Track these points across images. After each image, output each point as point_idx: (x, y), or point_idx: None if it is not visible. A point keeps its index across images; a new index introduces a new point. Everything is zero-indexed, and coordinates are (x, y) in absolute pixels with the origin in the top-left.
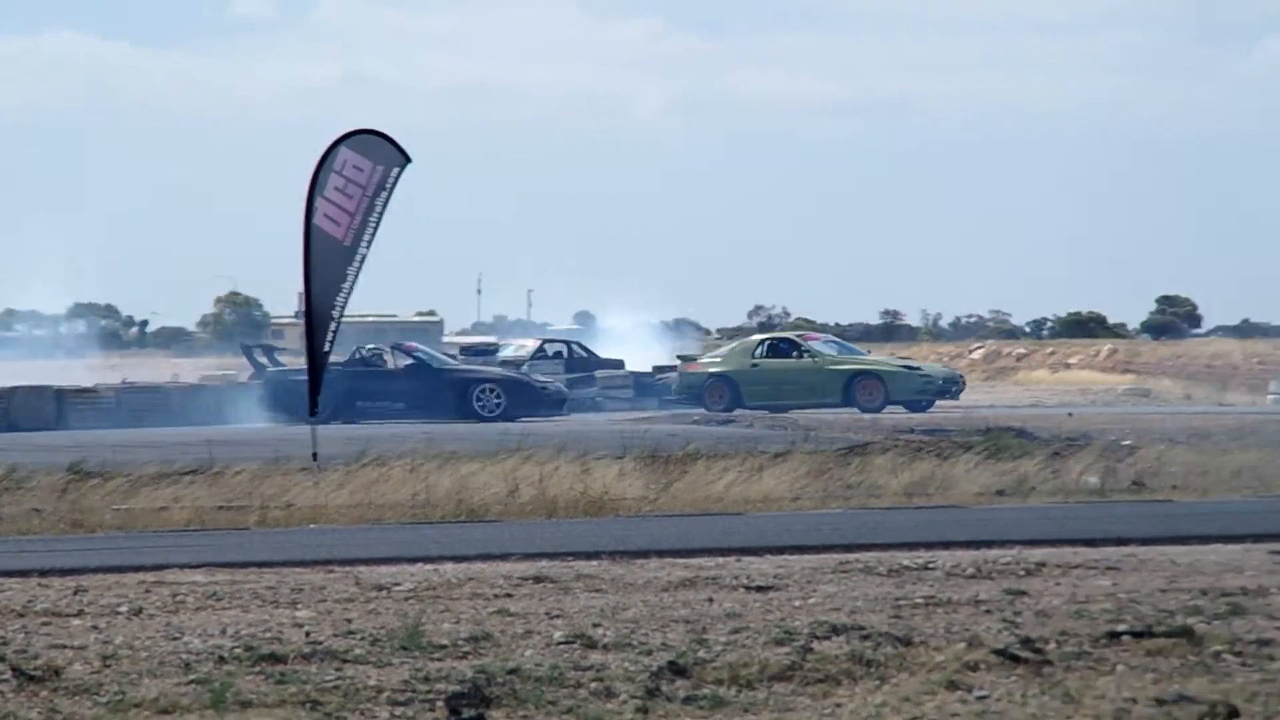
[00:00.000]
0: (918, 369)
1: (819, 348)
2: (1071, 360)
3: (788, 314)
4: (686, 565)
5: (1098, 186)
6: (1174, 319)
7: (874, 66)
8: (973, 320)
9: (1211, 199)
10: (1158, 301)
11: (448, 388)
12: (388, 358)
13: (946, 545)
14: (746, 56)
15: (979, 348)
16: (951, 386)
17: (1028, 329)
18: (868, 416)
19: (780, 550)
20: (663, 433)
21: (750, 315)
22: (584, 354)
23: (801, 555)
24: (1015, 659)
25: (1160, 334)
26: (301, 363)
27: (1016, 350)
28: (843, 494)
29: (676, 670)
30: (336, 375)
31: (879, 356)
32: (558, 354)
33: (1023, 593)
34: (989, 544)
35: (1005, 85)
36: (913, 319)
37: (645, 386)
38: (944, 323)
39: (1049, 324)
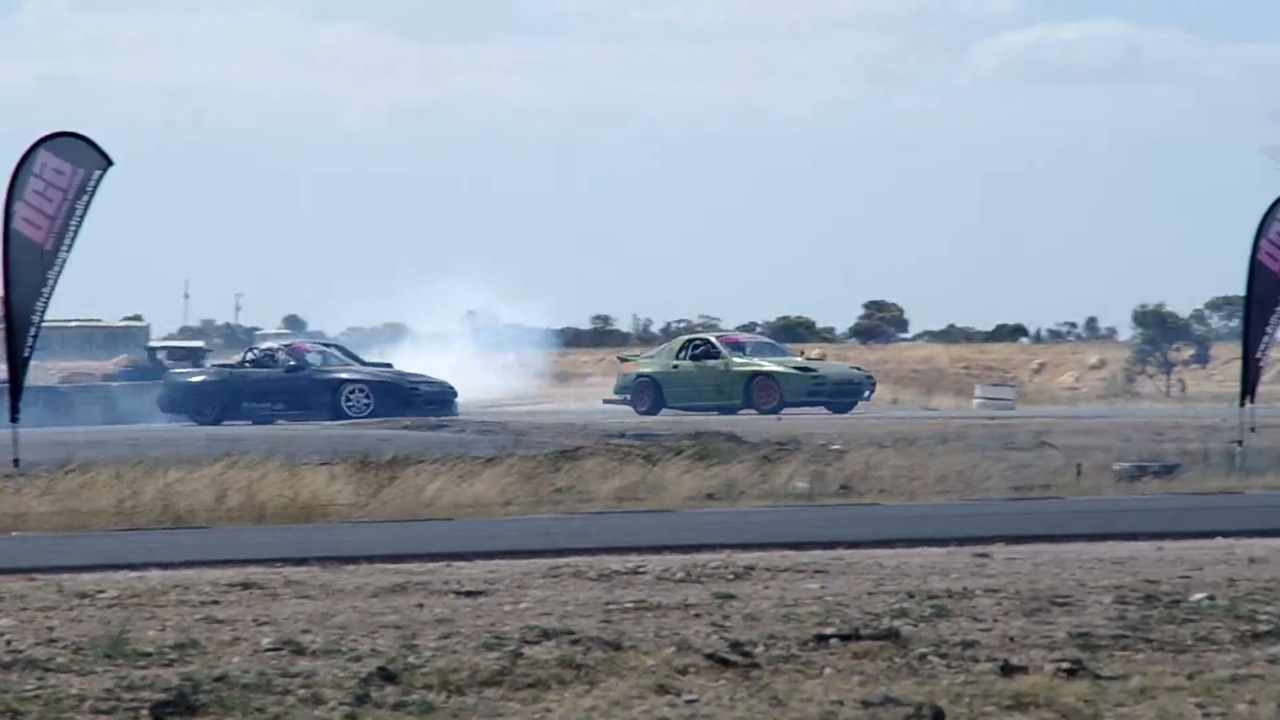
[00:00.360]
0: (811, 371)
1: (731, 350)
2: None
3: (500, 319)
4: (397, 570)
5: (805, 190)
6: (881, 323)
7: (584, 72)
8: (682, 325)
9: (916, 204)
10: (865, 306)
11: (320, 389)
12: (278, 359)
13: (656, 549)
14: (455, 60)
15: None
16: (860, 388)
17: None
18: (580, 421)
19: (491, 555)
20: (373, 438)
21: (463, 321)
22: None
23: (512, 560)
24: (724, 662)
25: (868, 338)
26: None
27: None
28: (553, 499)
29: (386, 676)
30: (225, 376)
31: (790, 359)
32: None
33: (732, 596)
34: (698, 548)
35: (715, 90)
36: (624, 324)
37: None
38: (654, 328)
39: (758, 328)
